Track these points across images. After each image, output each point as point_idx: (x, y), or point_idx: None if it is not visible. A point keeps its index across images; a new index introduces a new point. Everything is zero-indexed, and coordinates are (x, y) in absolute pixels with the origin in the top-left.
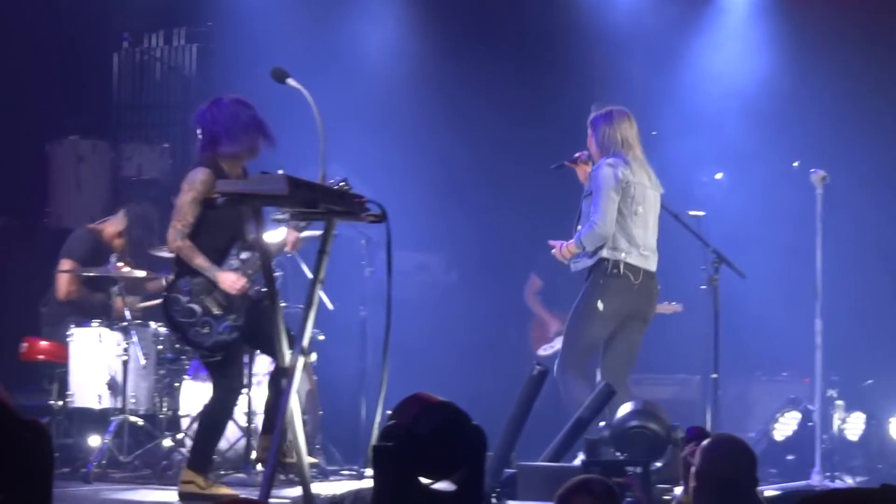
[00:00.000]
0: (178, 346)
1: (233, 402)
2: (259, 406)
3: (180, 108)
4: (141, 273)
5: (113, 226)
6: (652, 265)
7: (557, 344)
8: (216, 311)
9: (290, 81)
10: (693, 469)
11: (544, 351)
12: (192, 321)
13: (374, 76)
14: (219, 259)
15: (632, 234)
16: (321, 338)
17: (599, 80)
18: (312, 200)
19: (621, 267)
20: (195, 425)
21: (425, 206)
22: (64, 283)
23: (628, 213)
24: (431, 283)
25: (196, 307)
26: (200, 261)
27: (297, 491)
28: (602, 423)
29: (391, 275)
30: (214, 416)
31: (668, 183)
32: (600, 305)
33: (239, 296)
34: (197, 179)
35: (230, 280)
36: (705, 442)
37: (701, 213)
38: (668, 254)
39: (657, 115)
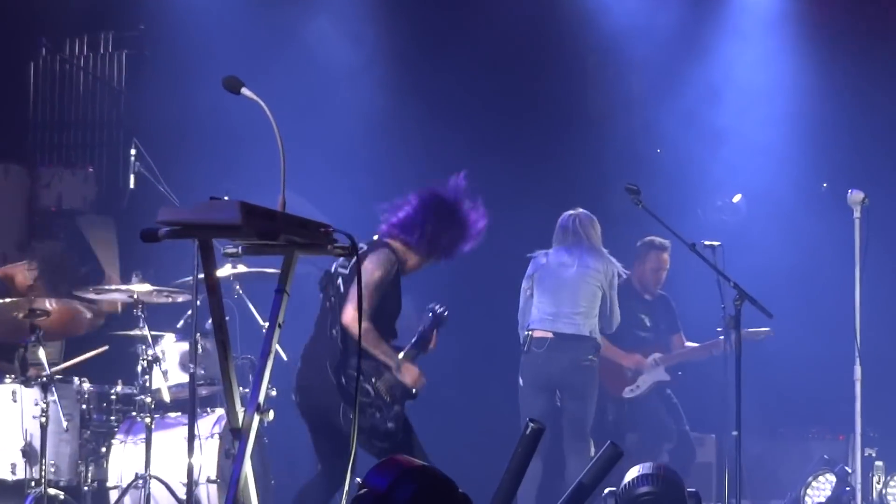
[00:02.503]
0: (105, 404)
1: None
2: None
3: (107, 126)
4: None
5: (21, 274)
6: (561, 327)
7: (642, 384)
8: (386, 397)
9: (245, 92)
10: None
11: (631, 393)
12: (368, 401)
13: (337, 85)
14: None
15: (537, 308)
16: (273, 393)
17: (607, 104)
18: (271, 231)
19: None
20: (126, 498)
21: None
22: None
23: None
24: (405, 328)
25: (370, 388)
26: (385, 348)
27: None
28: (607, 490)
29: (362, 316)
30: None
31: (678, 209)
32: (520, 381)
33: (394, 390)
34: (386, 260)
35: (415, 375)
36: None
37: (717, 243)
38: (680, 291)
39: (660, 130)
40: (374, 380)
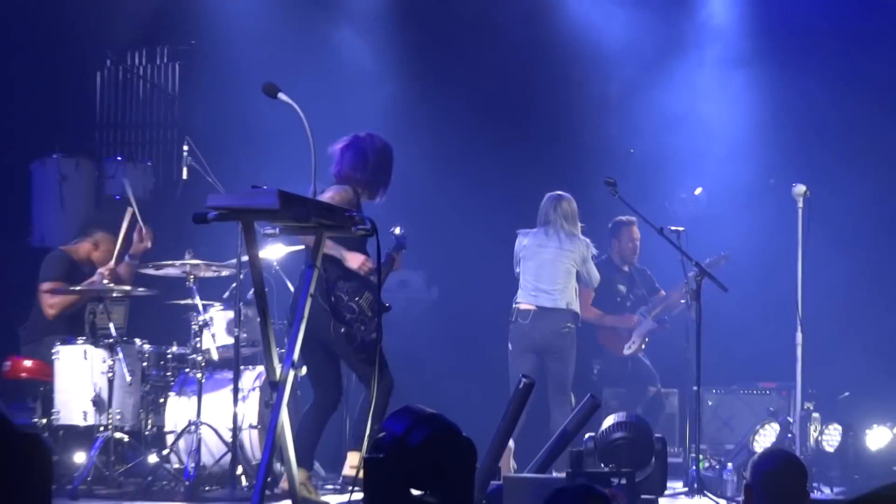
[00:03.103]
0: (162, 362)
1: (389, 396)
2: (247, 419)
3: (163, 126)
4: (125, 288)
5: (84, 246)
6: (542, 301)
7: (636, 338)
8: (368, 312)
9: (282, 96)
10: (744, 483)
11: (629, 349)
12: (353, 316)
13: (358, 93)
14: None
15: (521, 284)
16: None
17: (580, 106)
18: (303, 215)
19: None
20: (180, 441)
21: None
22: (48, 301)
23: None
24: (413, 299)
25: (354, 305)
26: (331, 243)
27: None
28: (587, 436)
29: (381, 286)
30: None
31: (648, 200)
32: (509, 346)
33: (374, 306)
34: (343, 191)
35: (360, 259)
36: (756, 456)
37: (681, 229)
38: (649, 269)
39: (636, 132)
40: (357, 298)
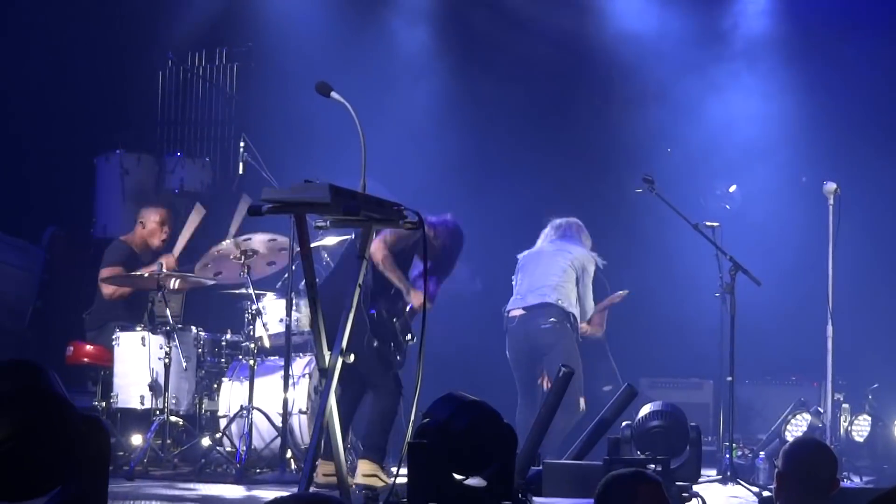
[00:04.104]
0: (216, 349)
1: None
2: (297, 405)
3: (221, 124)
4: (183, 276)
5: (137, 231)
6: (529, 300)
7: None
8: (401, 336)
9: (335, 95)
10: (776, 471)
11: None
12: (389, 336)
13: (412, 90)
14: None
15: (514, 292)
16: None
17: (620, 103)
18: (353, 208)
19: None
20: (233, 425)
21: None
22: (108, 287)
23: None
24: (457, 291)
25: (392, 326)
26: (399, 274)
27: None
28: (624, 424)
29: (427, 279)
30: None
31: (685, 196)
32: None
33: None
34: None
35: (420, 298)
36: (787, 445)
37: (716, 224)
38: (686, 264)
39: (673, 132)
40: (395, 319)
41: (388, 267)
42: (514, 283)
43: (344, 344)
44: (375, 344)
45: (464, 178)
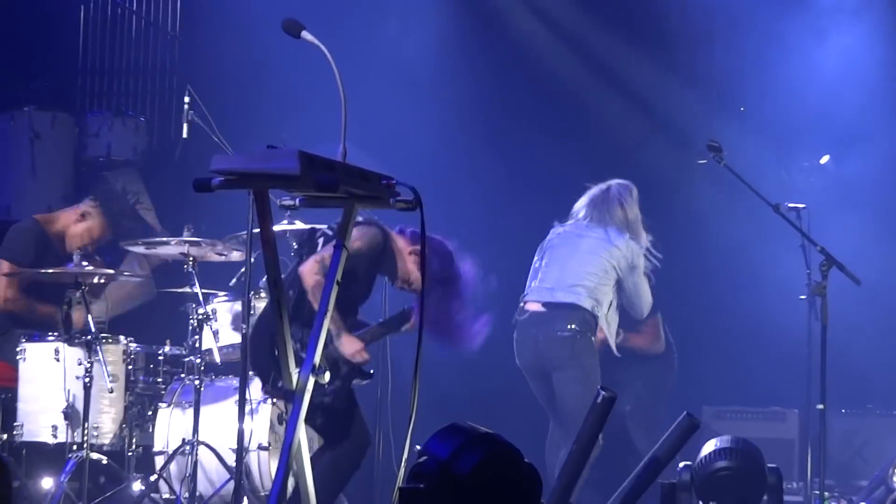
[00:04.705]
0: (151, 365)
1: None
2: (256, 438)
3: (160, 73)
4: (107, 271)
5: (68, 214)
6: (558, 296)
7: None
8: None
9: (306, 35)
10: None
11: None
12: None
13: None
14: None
15: (539, 277)
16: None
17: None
18: (330, 181)
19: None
20: (172, 465)
21: (459, 194)
22: (5, 289)
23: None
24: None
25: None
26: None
27: None
28: (682, 465)
29: (425, 277)
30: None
31: (761, 168)
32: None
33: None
34: (373, 237)
35: (355, 347)
36: None
37: (801, 206)
38: (762, 255)
39: (746, 87)
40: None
41: (317, 298)
42: (536, 263)
43: (317, 359)
44: (281, 385)
45: (474, 143)
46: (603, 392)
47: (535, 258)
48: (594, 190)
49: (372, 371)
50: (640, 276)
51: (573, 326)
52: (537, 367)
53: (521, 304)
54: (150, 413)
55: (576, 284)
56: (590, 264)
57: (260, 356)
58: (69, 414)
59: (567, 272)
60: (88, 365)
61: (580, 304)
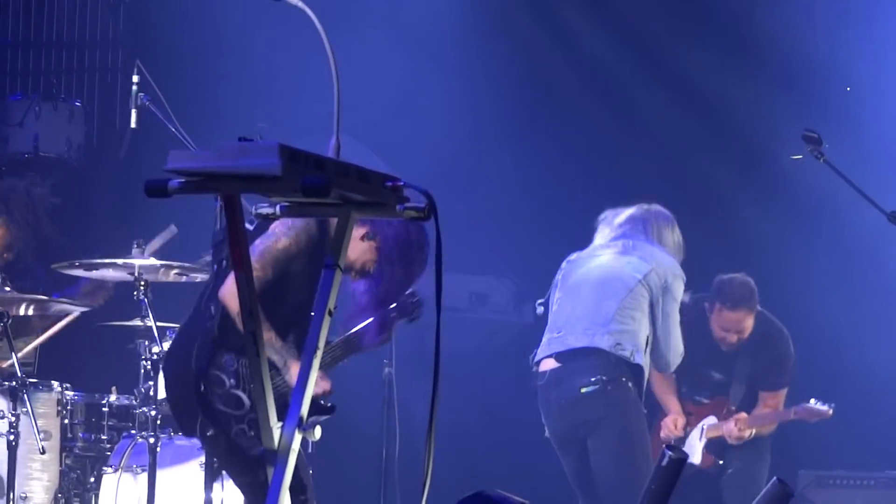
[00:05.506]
0: (94, 418)
1: None
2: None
3: (101, 46)
4: (38, 297)
5: None
6: (569, 341)
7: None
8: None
9: None
10: None
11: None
12: (237, 414)
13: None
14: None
15: (548, 324)
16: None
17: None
18: (319, 183)
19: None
20: None
21: (485, 209)
22: None
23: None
24: (494, 321)
25: (245, 398)
26: (270, 336)
27: None
28: None
29: (441, 307)
30: None
31: (867, 160)
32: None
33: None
34: (303, 229)
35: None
36: None
37: None
38: (874, 274)
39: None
40: (251, 385)
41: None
42: (549, 302)
43: (304, 410)
44: (210, 433)
45: (495, 134)
46: (669, 452)
47: (548, 296)
48: (633, 209)
49: (332, 405)
50: (675, 309)
51: (601, 377)
52: (570, 437)
53: (534, 367)
54: (92, 480)
55: (590, 320)
56: (608, 286)
57: (180, 394)
58: None
59: (579, 306)
60: (13, 419)
61: (597, 347)
